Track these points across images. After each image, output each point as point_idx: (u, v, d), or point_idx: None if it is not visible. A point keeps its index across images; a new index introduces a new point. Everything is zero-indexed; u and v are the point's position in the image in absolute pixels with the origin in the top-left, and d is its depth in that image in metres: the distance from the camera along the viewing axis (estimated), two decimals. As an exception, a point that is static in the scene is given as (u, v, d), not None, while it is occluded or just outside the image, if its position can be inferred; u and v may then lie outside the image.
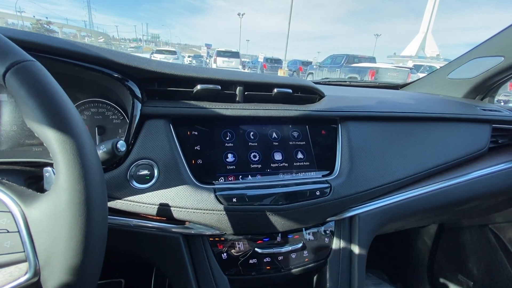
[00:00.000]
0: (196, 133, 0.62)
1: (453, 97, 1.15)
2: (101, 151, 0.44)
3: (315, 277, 0.67)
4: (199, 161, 0.60)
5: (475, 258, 1.21)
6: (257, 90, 0.69)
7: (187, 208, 0.54)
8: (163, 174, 0.55)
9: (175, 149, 0.57)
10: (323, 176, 0.67)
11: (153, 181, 0.54)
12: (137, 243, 0.55)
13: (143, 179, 0.54)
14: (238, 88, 0.67)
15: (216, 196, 0.55)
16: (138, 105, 0.57)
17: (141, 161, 0.55)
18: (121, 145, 0.45)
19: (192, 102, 0.63)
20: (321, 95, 0.77)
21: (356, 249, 0.66)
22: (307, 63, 17.10)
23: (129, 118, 0.56)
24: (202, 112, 0.62)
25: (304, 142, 0.70)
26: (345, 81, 1.46)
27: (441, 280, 1.32)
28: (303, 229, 0.64)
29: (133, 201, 0.53)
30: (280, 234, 0.62)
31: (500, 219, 1.16)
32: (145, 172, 0.54)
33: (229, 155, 0.63)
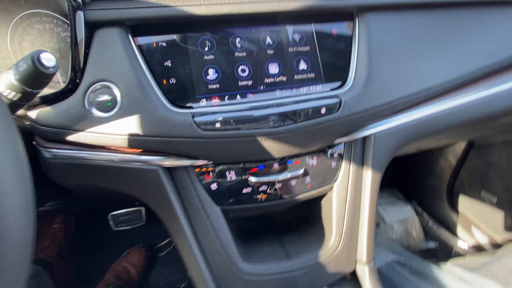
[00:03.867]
0: (163, 44, 0.48)
1: None
2: (21, 68, 0.33)
3: (319, 204, 0.62)
4: (172, 81, 0.48)
5: (504, 175, 1.11)
6: None
7: (161, 137, 0.45)
8: (127, 99, 0.44)
9: (137, 66, 0.45)
10: (332, 89, 0.53)
11: (117, 107, 0.45)
12: (112, 178, 0.50)
13: (104, 106, 0.44)
14: None
15: (194, 122, 0.45)
16: (79, 10, 0.43)
17: (98, 84, 0.44)
18: (47, 58, 0.33)
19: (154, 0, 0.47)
20: None
21: (369, 173, 0.57)
22: None
23: (70, 28, 0.43)
24: (168, 12, 0.46)
25: (308, 48, 0.54)
26: None
27: (461, 196, 1.27)
28: (306, 153, 0.55)
29: (97, 132, 0.44)
30: (277, 160, 0.53)
31: None
32: (106, 97, 0.44)
33: (210, 71, 0.50)
